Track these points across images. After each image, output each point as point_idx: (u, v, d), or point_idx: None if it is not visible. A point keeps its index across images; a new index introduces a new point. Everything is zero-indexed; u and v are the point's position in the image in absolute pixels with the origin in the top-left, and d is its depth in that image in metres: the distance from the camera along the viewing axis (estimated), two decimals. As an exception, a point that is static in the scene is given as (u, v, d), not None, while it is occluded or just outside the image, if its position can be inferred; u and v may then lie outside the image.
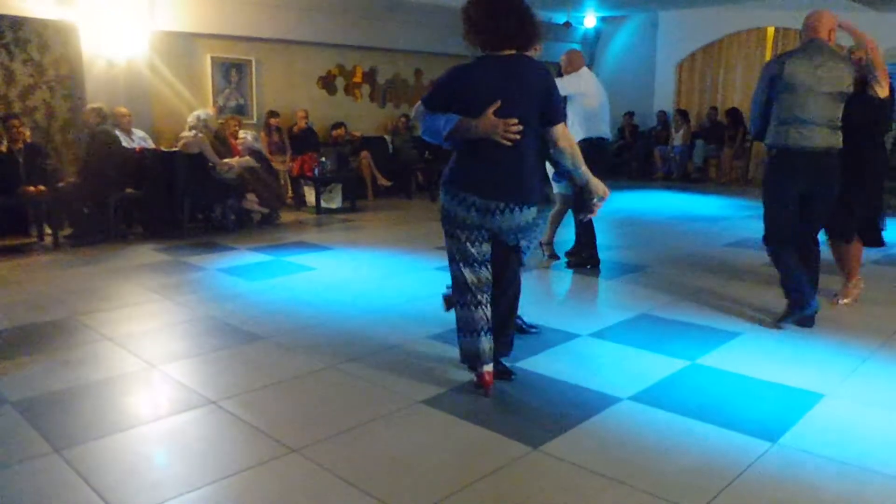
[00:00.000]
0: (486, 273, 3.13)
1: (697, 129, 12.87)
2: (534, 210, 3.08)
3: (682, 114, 12.73)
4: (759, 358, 3.69)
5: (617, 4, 12.32)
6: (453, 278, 3.19)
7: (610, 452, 2.70)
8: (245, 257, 6.35)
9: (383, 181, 10.37)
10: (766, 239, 4.23)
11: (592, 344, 3.96)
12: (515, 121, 2.88)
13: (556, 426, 2.89)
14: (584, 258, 5.88)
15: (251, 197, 7.93)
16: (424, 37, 11.31)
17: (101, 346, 3.93)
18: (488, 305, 3.15)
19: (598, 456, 2.66)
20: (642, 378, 3.40)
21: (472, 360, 3.18)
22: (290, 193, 9.65)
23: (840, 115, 4.00)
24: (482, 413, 3.02)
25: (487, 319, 3.14)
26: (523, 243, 3.24)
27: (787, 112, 3.97)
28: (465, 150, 3.02)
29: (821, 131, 3.95)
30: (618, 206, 9.57)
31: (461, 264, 3.12)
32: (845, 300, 4.69)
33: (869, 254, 6.26)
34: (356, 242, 7.13)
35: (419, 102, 3.14)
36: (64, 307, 4.69)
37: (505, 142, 2.90)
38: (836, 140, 4.02)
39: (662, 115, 13.23)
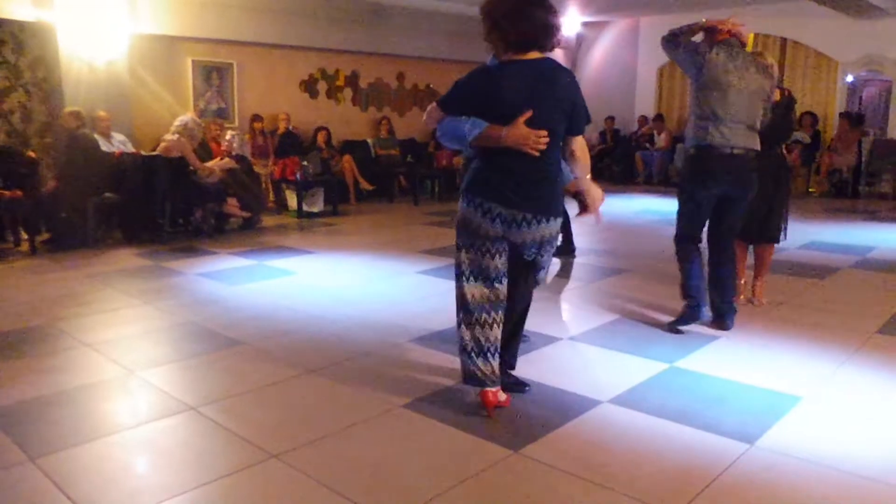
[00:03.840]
0: (502, 289, 2.92)
1: (679, 133, 12.97)
2: (558, 223, 2.92)
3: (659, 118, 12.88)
4: (738, 361, 3.72)
5: (598, 10, 12.40)
6: (459, 297, 2.94)
7: (590, 455, 2.71)
8: (225, 262, 6.31)
9: (365, 185, 10.36)
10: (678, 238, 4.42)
11: (572, 347, 3.98)
12: (545, 133, 2.72)
13: (536, 430, 2.90)
14: (559, 247, 6.03)
15: (232, 201, 7.88)
16: (407, 41, 11.33)
17: (79, 353, 3.89)
18: (501, 325, 2.95)
19: (579, 459, 2.67)
20: (622, 381, 3.42)
21: (476, 381, 2.97)
22: (271, 197, 9.61)
23: (759, 117, 3.99)
24: (463, 417, 3.02)
25: (497, 339, 2.95)
26: (542, 258, 3.00)
27: (708, 109, 3.91)
28: (486, 158, 2.81)
29: (739, 131, 3.91)
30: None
31: (471, 280, 2.91)
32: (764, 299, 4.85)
33: (847, 258, 6.35)
34: (338, 246, 7.11)
35: (434, 104, 2.93)
36: (41, 313, 4.64)
37: (532, 152, 2.73)
38: (755, 141, 3.99)
39: (643, 119, 13.33)
